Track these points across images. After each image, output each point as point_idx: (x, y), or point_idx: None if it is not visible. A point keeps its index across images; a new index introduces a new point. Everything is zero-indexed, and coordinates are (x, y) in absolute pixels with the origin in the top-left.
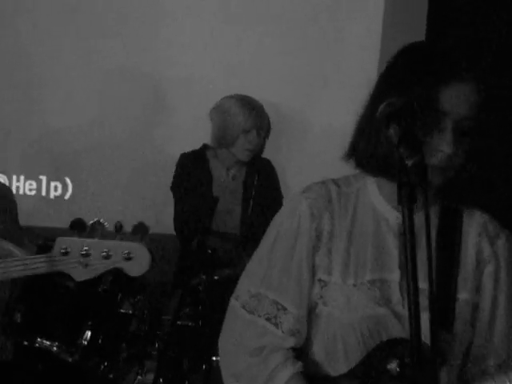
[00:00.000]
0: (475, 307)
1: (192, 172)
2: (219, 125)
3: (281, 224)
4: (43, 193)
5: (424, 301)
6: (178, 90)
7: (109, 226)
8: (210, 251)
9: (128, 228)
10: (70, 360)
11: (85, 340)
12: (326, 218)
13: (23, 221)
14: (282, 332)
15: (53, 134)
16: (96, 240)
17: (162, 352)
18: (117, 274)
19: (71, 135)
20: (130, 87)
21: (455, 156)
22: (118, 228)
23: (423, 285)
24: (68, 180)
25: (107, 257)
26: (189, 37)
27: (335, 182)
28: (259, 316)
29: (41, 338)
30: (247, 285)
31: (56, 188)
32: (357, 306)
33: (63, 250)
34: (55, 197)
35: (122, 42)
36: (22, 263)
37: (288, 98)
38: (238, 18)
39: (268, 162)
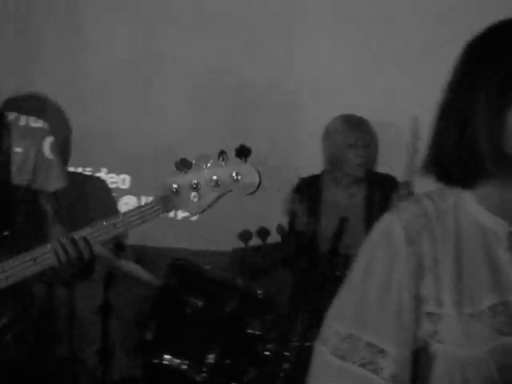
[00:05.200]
0: None
1: (307, 197)
2: (327, 146)
3: (372, 253)
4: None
5: None
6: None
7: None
8: (338, 273)
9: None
10: (198, 379)
11: (213, 359)
12: (425, 240)
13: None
14: (383, 379)
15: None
16: (202, 171)
17: (289, 374)
18: (245, 293)
19: None
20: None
21: None
22: (221, 155)
23: None
24: None
25: (217, 184)
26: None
27: (429, 196)
28: (353, 362)
29: (170, 355)
30: (336, 325)
31: None
32: (478, 339)
33: (174, 190)
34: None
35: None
36: (139, 212)
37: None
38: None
39: (387, 177)
